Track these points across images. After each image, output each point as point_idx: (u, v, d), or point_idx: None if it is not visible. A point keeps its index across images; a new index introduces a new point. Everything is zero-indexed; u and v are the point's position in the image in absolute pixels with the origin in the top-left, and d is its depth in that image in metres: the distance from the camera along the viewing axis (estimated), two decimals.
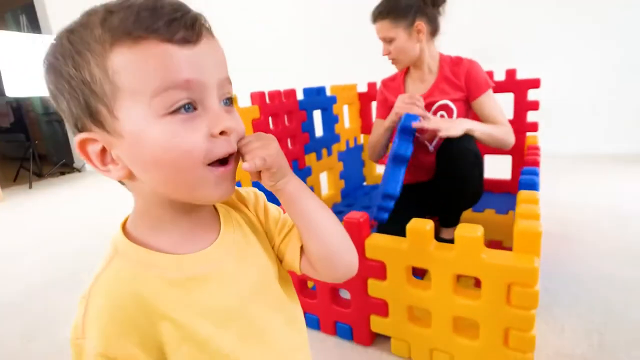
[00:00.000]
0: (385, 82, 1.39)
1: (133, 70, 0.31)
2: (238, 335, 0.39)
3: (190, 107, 0.33)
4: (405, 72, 1.34)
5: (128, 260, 0.36)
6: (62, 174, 3.62)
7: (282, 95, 1.36)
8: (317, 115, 1.57)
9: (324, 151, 1.63)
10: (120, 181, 0.37)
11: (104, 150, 0.34)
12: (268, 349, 0.41)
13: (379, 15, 1.21)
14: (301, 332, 0.48)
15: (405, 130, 1.02)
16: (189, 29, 0.32)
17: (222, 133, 0.35)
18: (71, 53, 0.32)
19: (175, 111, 0.32)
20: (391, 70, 1.36)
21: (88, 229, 1.99)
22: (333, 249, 0.44)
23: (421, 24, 1.17)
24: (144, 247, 0.37)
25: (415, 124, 1.02)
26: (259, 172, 0.40)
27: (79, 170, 3.72)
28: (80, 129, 0.34)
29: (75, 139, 0.34)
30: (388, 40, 1.21)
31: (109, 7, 0.32)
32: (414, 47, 1.20)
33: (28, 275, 1.52)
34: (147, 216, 0.38)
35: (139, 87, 0.31)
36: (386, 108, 1.33)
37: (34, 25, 3.69)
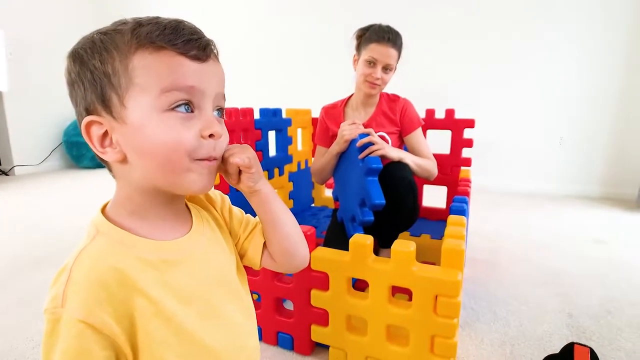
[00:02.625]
0: (326, 110, 1.46)
1: (150, 70, 0.38)
2: (198, 315, 0.43)
3: (189, 108, 0.40)
4: (346, 102, 1.44)
5: (109, 239, 0.40)
6: None
7: (240, 113, 1.40)
8: (271, 135, 1.63)
9: (276, 170, 1.68)
10: (108, 168, 0.43)
11: (105, 134, 0.40)
12: (224, 329, 0.46)
13: (394, 42, 1.24)
14: (253, 321, 0.53)
15: (371, 170, 1.09)
16: (201, 49, 0.40)
17: (210, 136, 0.41)
18: (100, 50, 0.38)
19: (175, 108, 0.39)
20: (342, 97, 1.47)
21: (18, 238, 1.85)
22: (293, 243, 0.52)
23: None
24: (124, 230, 0.41)
25: (363, 140, 1.13)
26: (239, 177, 0.47)
27: (5, 174, 3.43)
28: (89, 113, 0.39)
29: (83, 121, 0.39)
30: (388, 68, 1.27)
31: (140, 20, 0.39)
32: None
33: None
34: (128, 202, 0.42)
35: (150, 84, 0.38)
36: (327, 137, 1.42)
37: None
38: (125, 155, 0.40)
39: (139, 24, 0.38)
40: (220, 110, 0.45)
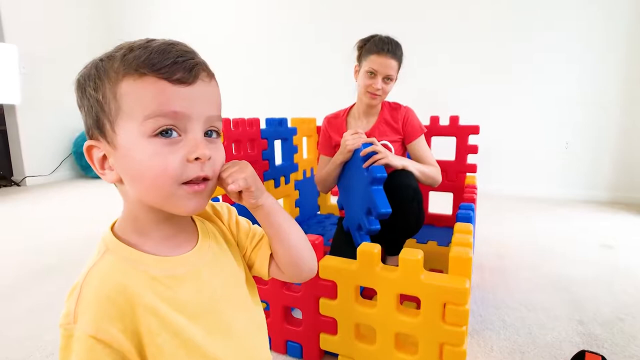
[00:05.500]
0: (329, 119, 1.47)
1: (133, 97, 0.38)
2: (206, 329, 0.44)
3: (174, 132, 0.39)
4: (348, 111, 1.45)
5: (118, 256, 0.41)
6: None
7: (246, 123, 1.42)
8: (277, 144, 1.65)
9: (282, 179, 1.69)
10: (115, 185, 0.44)
11: (104, 157, 0.41)
12: (233, 343, 0.46)
13: (394, 53, 1.25)
14: (263, 333, 0.53)
15: (376, 179, 1.09)
16: (187, 72, 0.39)
17: (196, 159, 0.40)
18: (94, 78, 0.39)
19: (160, 134, 0.39)
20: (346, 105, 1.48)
21: (30, 248, 1.88)
22: (299, 254, 0.52)
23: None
24: (131, 247, 0.42)
25: (366, 149, 1.14)
26: (240, 194, 0.47)
27: (17, 184, 3.48)
28: (90, 137, 0.41)
29: (84, 144, 0.41)
30: (388, 78, 1.27)
31: (133, 45, 0.40)
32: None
33: None
34: (133, 220, 0.43)
35: (135, 111, 0.38)
36: (330, 147, 1.43)
37: None
38: (121, 177, 0.41)
39: (130, 49, 0.39)
40: (215, 131, 0.44)
